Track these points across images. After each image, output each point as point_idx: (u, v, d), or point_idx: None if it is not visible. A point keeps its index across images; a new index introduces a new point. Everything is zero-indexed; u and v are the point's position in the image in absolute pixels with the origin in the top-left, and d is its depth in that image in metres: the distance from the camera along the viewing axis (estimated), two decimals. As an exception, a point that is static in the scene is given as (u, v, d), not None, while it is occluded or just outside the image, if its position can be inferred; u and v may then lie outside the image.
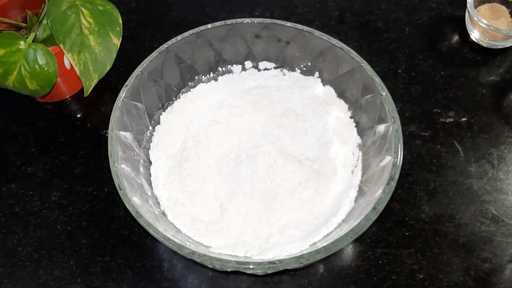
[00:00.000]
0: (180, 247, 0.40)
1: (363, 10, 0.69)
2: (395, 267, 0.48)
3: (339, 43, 0.50)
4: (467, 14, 0.64)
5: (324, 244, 0.41)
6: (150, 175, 0.50)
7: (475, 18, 0.61)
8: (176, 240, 0.41)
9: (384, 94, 0.47)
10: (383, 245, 0.50)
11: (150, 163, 0.51)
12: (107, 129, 0.58)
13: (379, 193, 0.42)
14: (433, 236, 0.50)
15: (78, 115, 0.60)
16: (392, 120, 0.45)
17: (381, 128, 0.47)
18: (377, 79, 0.48)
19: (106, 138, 0.57)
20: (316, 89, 0.54)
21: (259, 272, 0.42)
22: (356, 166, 0.50)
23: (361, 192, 0.47)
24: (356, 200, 0.47)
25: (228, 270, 0.41)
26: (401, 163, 0.43)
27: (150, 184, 0.49)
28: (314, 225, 0.46)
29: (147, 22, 0.69)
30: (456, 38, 0.66)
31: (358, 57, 0.49)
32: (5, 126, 0.59)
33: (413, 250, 0.49)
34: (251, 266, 0.39)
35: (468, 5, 0.62)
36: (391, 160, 0.43)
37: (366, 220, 0.40)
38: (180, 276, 0.48)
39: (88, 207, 0.53)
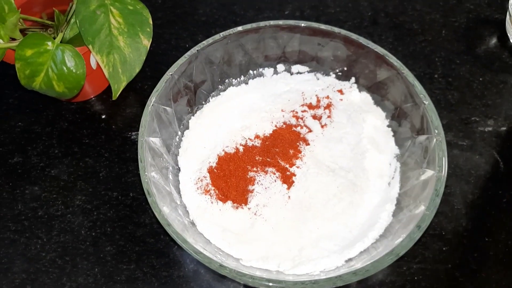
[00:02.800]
0: (210, 261, 0.38)
1: (397, 11, 0.66)
2: (432, 283, 0.46)
3: (378, 48, 0.48)
4: (507, 17, 0.61)
5: (361, 264, 0.39)
6: (179, 182, 0.48)
7: (516, 22, 0.58)
8: (205, 253, 0.39)
9: (427, 103, 0.44)
10: (419, 260, 0.48)
11: (179, 169, 0.49)
12: (132, 131, 0.57)
13: (422, 209, 0.40)
14: (471, 251, 0.48)
15: (103, 116, 0.58)
16: (435, 131, 0.43)
17: (422, 139, 0.45)
18: (419, 87, 0.45)
19: (131, 140, 0.56)
20: (352, 95, 0.52)
21: (293, 290, 0.40)
22: (393, 177, 0.47)
23: (399, 206, 0.45)
24: (394, 214, 0.45)
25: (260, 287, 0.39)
26: (445, 178, 0.41)
27: (178, 192, 0.47)
28: (349, 238, 0.45)
29: (173, 20, 0.67)
30: (494, 41, 0.63)
31: (398, 63, 0.47)
32: (28, 126, 0.58)
33: (451, 266, 0.47)
34: (283, 285, 0.37)
35: (509, 7, 0.59)
36: (434, 174, 0.41)
37: (409, 240, 0.38)
38: (207, 288, 0.47)
39: (113, 212, 0.51)
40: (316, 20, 0.51)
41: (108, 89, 0.59)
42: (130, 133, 0.57)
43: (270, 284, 0.37)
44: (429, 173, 0.42)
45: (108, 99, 0.59)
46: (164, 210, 0.41)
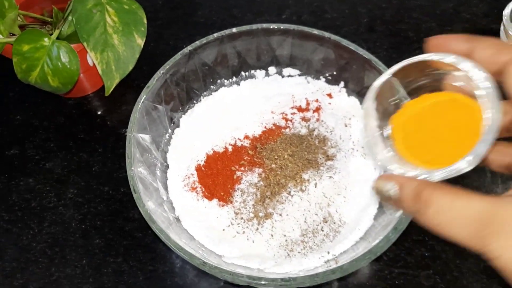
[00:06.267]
0: (192, 257, 0.39)
1: (394, 19, 0.67)
2: (412, 288, 0.47)
3: (367, 54, 0.49)
4: (502, 27, 0.61)
5: (340, 263, 0.40)
6: (166, 179, 0.49)
7: (510, 32, 0.58)
8: (188, 249, 0.40)
9: (411, 109, 0.45)
10: (401, 264, 0.48)
11: (167, 166, 0.50)
12: (127, 128, 0.58)
13: (401, 212, 0.41)
14: (453, 258, 0.48)
15: (99, 112, 0.60)
16: None
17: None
18: (404, 93, 0.46)
19: (125, 137, 0.57)
20: (340, 99, 0.53)
21: None
22: (377, 181, 0.48)
23: (381, 209, 0.46)
24: (375, 217, 0.45)
25: (240, 284, 0.40)
26: (425, 183, 0.41)
27: (166, 188, 0.49)
28: (331, 240, 0.45)
29: (173, 21, 0.68)
30: (489, 51, 0.63)
31: (385, 69, 0.48)
32: (26, 120, 0.59)
33: (432, 272, 0.48)
34: (263, 282, 0.38)
35: (504, 18, 0.59)
36: (415, 179, 0.42)
37: (386, 241, 0.39)
38: (191, 284, 0.48)
39: (104, 206, 0.53)
40: (314, 26, 0.52)
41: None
42: (124, 130, 0.58)
43: (250, 280, 0.38)
44: (410, 178, 0.43)
45: (105, 96, 0.60)
46: (150, 206, 0.42)
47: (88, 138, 0.58)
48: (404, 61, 0.36)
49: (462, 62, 0.31)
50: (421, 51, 0.64)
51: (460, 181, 0.52)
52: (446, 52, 0.33)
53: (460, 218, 0.27)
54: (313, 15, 0.68)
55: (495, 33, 0.64)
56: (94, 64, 0.54)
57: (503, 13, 0.59)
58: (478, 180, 0.53)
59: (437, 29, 0.66)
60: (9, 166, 0.56)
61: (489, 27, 0.65)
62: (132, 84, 0.61)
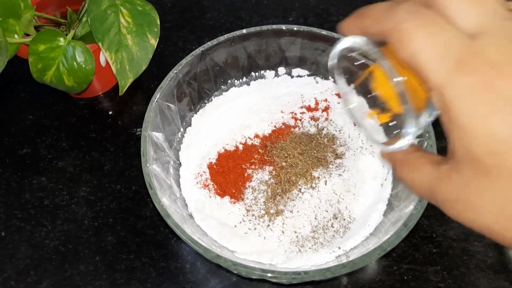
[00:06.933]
0: (206, 251, 0.40)
1: (398, 21, 0.68)
2: (420, 284, 0.48)
3: (375, 55, 0.50)
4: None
5: (350, 258, 0.41)
6: (179, 176, 0.50)
7: None
8: (202, 243, 0.41)
9: (419, 108, 0.46)
10: (409, 260, 0.49)
11: (180, 164, 0.51)
12: (137, 127, 0.59)
13: (410, 209, 0.41)
14: (460, 254, 0.49)
15: (110, 112, 0.61)
16: (427, 135, 0.44)
17: (414, 142, 0.47)
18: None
19: (136, 136, 0.58)
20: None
21: (284, 281, 0.42)
22: (386, 179, 0.49)
23: (390, 206, 0.47)
24: (385, 214, 0.46)
25: (253, 277, 0.40)
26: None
27: (178, 186, 0.49)
28: (341, 236, 0.46)
29: (181, 23, 0.69)
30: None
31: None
32: (38, 120, 0.60)
33: (440, 267, 0.48)
34: (276, 275, 0.39)
35: None
36: (423, 176, 0.43)
37: (396, 237, 0.40)
38: (202, 279, 0.48)
39: (116, 204, 0.53)
40: (319, 27, 0.53)
41: (116, 87, 0.61)
42: (135, 130, 0.59)
43: (263, 273, 0.39)
44: (419, 174, 0.44)
45: (116, 96, 0.61)
46: (164, 202, 0.43)
47: (100, 137, 0.58)
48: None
49: (355, 41, 0.28)
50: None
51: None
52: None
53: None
54: (319, 17, 0.69)
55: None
56: (106, 65, 0.55)
57: None
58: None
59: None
60: (22, 165, 0.56)
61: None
62: (142, 85, 0.62)
